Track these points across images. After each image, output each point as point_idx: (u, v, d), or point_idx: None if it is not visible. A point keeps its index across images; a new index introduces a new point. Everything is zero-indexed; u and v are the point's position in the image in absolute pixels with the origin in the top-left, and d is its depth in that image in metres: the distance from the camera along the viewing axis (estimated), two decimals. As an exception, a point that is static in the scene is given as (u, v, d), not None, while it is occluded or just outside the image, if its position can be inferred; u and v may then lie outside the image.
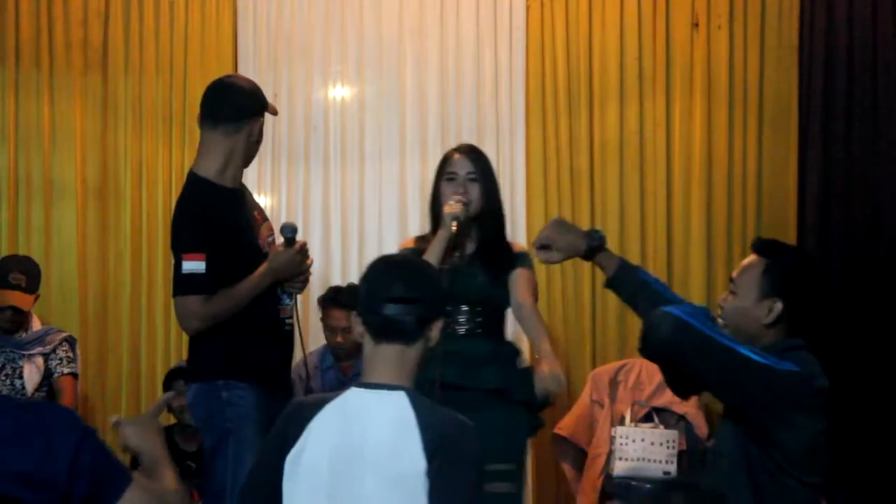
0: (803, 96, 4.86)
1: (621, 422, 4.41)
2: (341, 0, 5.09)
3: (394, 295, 2.18)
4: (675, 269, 4.94)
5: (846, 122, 4.79)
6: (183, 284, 3.04)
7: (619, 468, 4.28)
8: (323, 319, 4.61)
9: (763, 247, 2.68)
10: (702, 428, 4.58)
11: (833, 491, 4.13)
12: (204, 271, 3.00)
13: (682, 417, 4.59)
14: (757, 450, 2.50)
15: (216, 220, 3.06)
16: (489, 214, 3.41)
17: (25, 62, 5.06)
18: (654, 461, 4.33)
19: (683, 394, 2.82)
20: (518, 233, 4.98)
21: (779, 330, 2.59)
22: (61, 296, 5.02)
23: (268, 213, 5.12)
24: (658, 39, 4.94)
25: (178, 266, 3.04)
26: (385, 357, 2.19)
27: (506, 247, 3.46)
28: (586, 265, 4.92)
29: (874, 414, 4.51)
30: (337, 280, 4.94)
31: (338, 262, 5.09)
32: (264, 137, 3.31)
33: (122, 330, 5.05)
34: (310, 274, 3.29)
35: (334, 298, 4.55)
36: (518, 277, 3.40)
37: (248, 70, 5.02)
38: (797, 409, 2.46)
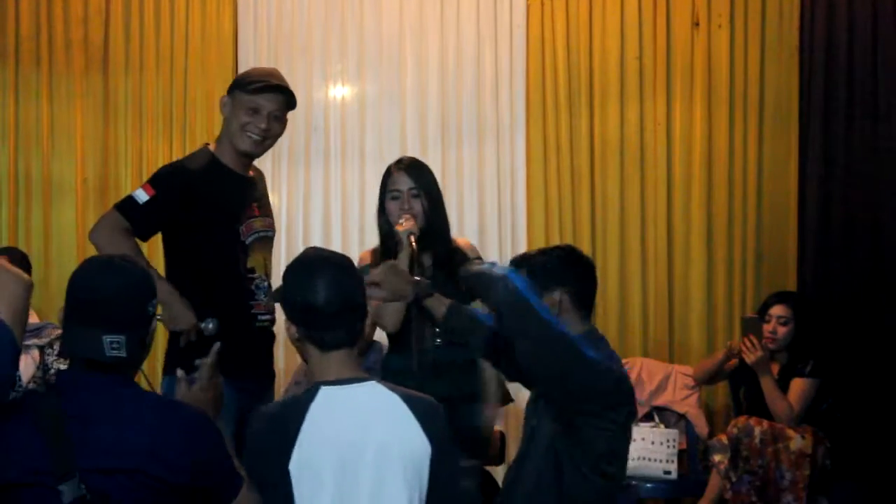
0: (803, 96, 4.87)
1: (621, 421, 4.40)
2: (341, 0, 5.10)
3: (332, 310, 2.22)
4: (675, 269, 4.94)
5: (846, 122, 4.79)
6: (121, 201, 3.09)
7: (619, 467, 4.26)
8: None
9: (515, 263, 2.81)
10: (702, 427, 4.58)
11: (833, 489, 4.14)
12: (141, 205, 3.01)
13: (682, 416, 4.59)
14: (563, 441, 2.57)
15: (195, 182, 3.07)
16: (436, 227, 3.36)
17: (25, 61, 5.06)
18: (655, 460, 4.33)
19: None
20: (518, 233, 4.99)
21: (572, 317, 2.69)
22: (61, 295, 4.95)
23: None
24: (658, 39, 4.94)
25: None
26: (337, 360, 2.26)
27: (458, 251, 3.42)
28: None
29: (874, 413, 4.51)
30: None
31: (338, 261, 5.07)
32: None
33: (121, 329, 5.04)
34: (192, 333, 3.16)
35: None
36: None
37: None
38: (610, 409, 2.56)
